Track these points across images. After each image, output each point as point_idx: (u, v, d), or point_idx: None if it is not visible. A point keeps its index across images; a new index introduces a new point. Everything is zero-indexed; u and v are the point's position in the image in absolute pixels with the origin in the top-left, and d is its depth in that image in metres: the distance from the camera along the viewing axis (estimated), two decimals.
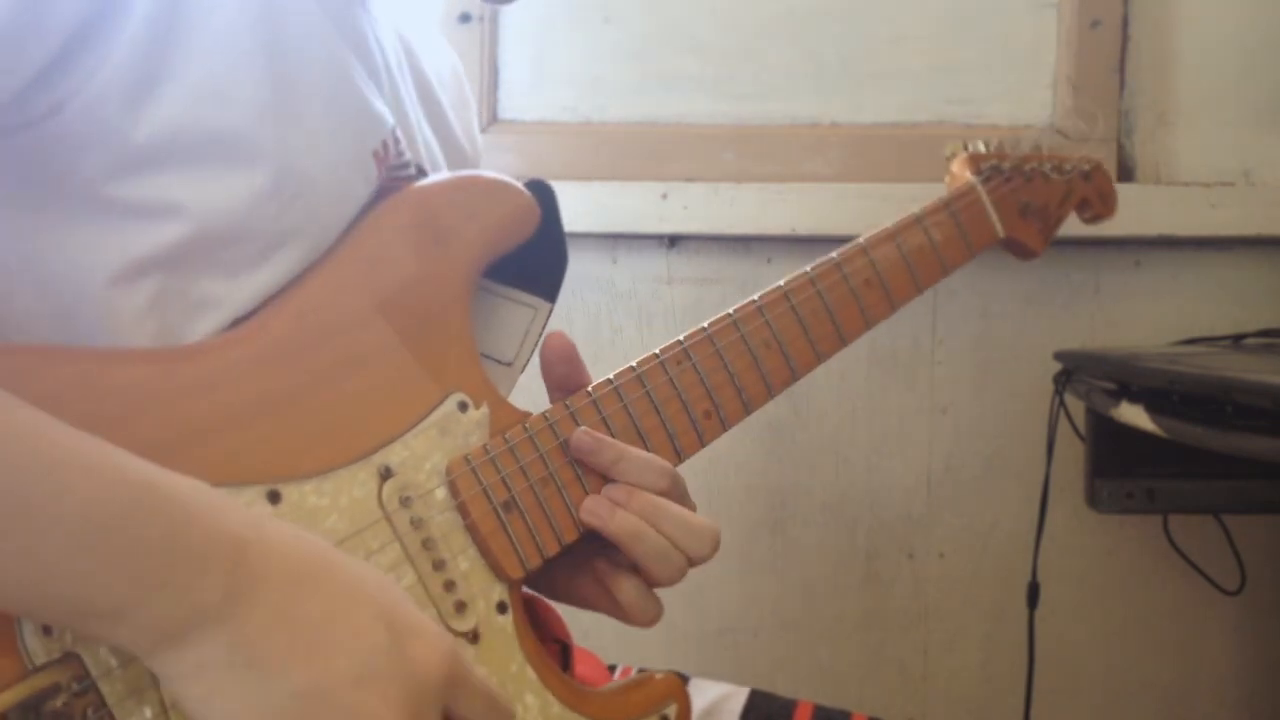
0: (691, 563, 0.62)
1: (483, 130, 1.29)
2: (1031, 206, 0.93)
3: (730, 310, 0.70)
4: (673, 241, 1.28)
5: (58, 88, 0.47)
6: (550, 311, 0.66)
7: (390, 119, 0.61)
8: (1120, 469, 1.07)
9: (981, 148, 0.93)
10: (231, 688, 0.44)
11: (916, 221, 0.81)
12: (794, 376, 0.71)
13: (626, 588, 0.62)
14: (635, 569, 0.62)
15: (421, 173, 0.64)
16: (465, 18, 1.28)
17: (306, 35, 0.55)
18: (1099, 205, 1.00)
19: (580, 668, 0.74)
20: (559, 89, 1.30)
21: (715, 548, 0.63)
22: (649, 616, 0.63)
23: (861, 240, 0.78)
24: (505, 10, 1.30)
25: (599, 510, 0.61)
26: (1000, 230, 0.89)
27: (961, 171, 0.92)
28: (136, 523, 0.43)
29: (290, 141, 0.54)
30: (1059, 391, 1.12)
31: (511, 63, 1.30)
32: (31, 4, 0.46)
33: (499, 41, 1.30)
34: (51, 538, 0.41)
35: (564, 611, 0.76)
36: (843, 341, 0.74)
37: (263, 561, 0.46)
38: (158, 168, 0.50)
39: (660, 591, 0.63)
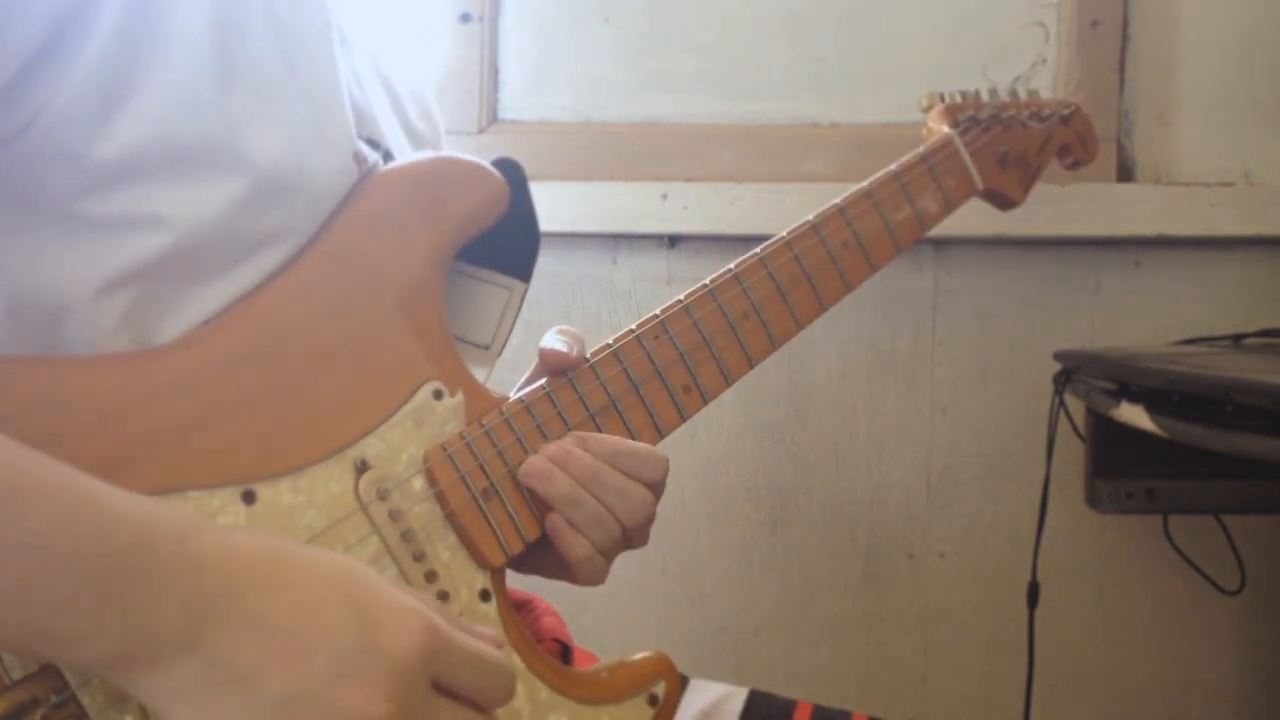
0: (625, 531, 0.62)
1: (482, 130, 1.29)
2: (1010, 155, 0.91)
3: (706, 280, 0.69)
4: (673, 241, 1.28)
5: (19, 110, 0.47)
6: (525, 291, 0.66)
7: (365, 110, 0.61)
8: (1120, 469, 1.07)
9: (958, 98, 0.92)
10: (214, 706, 0.44)
11: (894, 179, 0.80)
12: (774, 345, 0.71)
13: (578, 544, 0.61)
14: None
15: (390, 157, 0.64)
16: (465, 18, 1.28)
17: (266, 42, 0.54)
18: (1079, 150, 0.99)
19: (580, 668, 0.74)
20: (559, 89, 1.30)
21: (648, 516, 0.63)
22: (596, 576, 0.63)
23: (838, 201, 0.77)
24: (505, 10, 1.30)
25: (539, 471, 0.61)
26: (979, 182, 0.88)
27: (938, 125, 0.91)
28: (89, 553, 0.43)
29: (261, 148, 0.53)
30: (1059, 391, 1.12)
31: (511, 63, 1.30)
32: None
33: (499, 41, 1.30)
34: (9, 567, 0.41)
35: (564, 612, 0.76)
36: (822, 307, 0.73)
37: (224, 577, 0.45)
38: (130, 182, 0.50)
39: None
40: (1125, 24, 1.23)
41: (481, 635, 0.53)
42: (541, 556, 0.64)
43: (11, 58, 0.46)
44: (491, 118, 1.30)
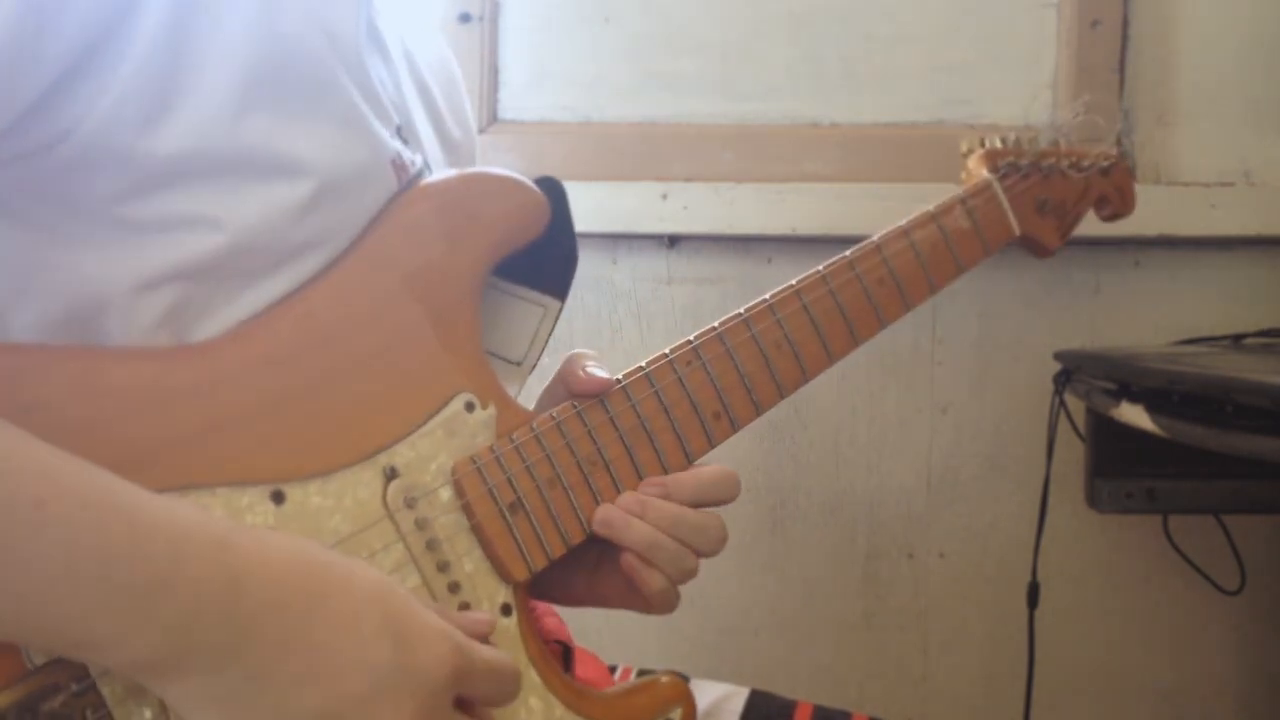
0: (702, 557, 0.63)
1: (482, 130, 1.29)
2: (1049, 203, 0.92)
3: (741, 309, 0.69)
4: (673, 241, 1.28)
5: (59, 118, 0.47)
6: (560, 310, 0.66)
7: (396, 117, 0.61)
8: (1120, 469, 1.07)
9: (999, 144, 0.93)
10: (245, 717, 0.45)
11: (931, 219, 0.80)
12: (805, 378, 0.71)
13: (656, 579, 0.61)
14: None
15: (428, 168, 0.64)
16: (465, 18, 1.28)
17: (312, 44, 0.54)
18: (1118, 202, 0.99)
19: (581, 669, 0.74)
20: (559, 89, 1.30)
21: (724, 541, 0.64)
22: (671, 605, 0.63)
23: (875, 239, 0.77)
24: (505, 10, 1.30)
25: (613, 522, 0.61)
26: (1016, 228, 0.88)
27: (978, 168, 0.91)
28: (122, 563, 0.43)
29: (312, 153, 0.54)
30: (1059, 391, 1.12)
31: (511, 63, 1.30)
32: (28, 33, 0.45)
33: (499, 41, 1.30)
34: (34, 574, 0.41)
35: (563, 612, 0.76)
36: (855, 342, 0.73)
37: (264, 591, 0.46)
38: (178, 185, 0.50)
39: None
40: (1125, 24, 1.24)
41: (478, 621, 0.54)
42: (605, 588, 0.65)
43: (46, 68, 0.46)
44: (492, 118, 1.30)
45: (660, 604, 0.63)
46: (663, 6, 1.28)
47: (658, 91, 1.29)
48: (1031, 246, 0.93)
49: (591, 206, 1.23)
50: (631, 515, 0.61)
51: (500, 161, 1.27)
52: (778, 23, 1.27)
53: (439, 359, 0.59)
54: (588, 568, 0.65)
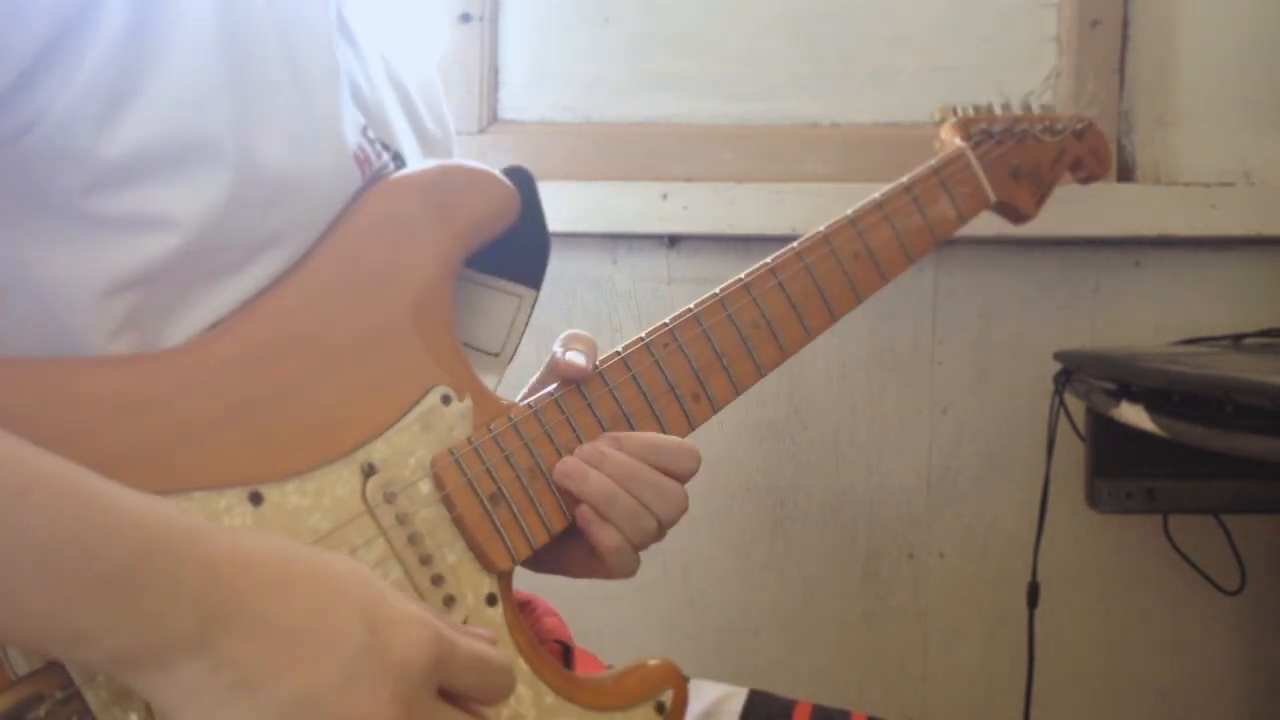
0: (661, 526, 0.63)
1: (483, 130, 1.29)
2: (1023, 169, 0.91)
3: (717, 289, 0.69)
4: (673, 241, 1.28)
5: (22, 111, 0.47)
6: (535, 299, 0.66)
7: (362, 118, 0.61)
8: (1120, 469, 1.07)
9: (971, 111, 0.92)
10: (223, 707, 0.44)
11: (905, 190, 0.80)
12: (784, 355, 0.71)
13: (610, 535, 0.61)
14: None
15: (400, 161, 0.64)
16: (465, 18, 1.28)
17: (271, 38, 0.54)
18: (1092, 164, 0.99)
19: (581, 670, 0.74)
20: (559, 89, 1.30)
21: (683, 510, 0.63)
22: (629, 568, 0.63)
23: (849, 212, 0.76)
24: (505, 10, 1.30)
25: (573, 473, 0.61)
26: (991, 195, 0.88)
27: (950, 137, 0.90)
28: (101, 553, 0.43)
29: (261, 145, 0.53)
30: (1059, 391, 1.12)
31: (511, 63, 1.30)
32: None
33: (499, 41, 1.30)
34: (12, 566, 0.41)
35: (563, 612, 0.76)
36: (833, 317, 0.73)
37: (236, 580, 0.46)
38: (139, 180, 0.50)
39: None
40: (1125, 24, 1.23)
41: (479, 636, 0.53)
42: (565, 555, 0.65)
43: (13, 62, 0.46)
44: (491, 118, 1.30)
45: (616, 564, 0.62)
46: (663, 6, 1.28)
47: (658, 91, 1.29)
48: (1007, 212, 0.93)
49: (591, 206, 1.23)
50: (590, 467, 0.61)
51: (500, 162, 1.27)
52: (778, 23, 1.27)
53: (413, 353, 0.59)
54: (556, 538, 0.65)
